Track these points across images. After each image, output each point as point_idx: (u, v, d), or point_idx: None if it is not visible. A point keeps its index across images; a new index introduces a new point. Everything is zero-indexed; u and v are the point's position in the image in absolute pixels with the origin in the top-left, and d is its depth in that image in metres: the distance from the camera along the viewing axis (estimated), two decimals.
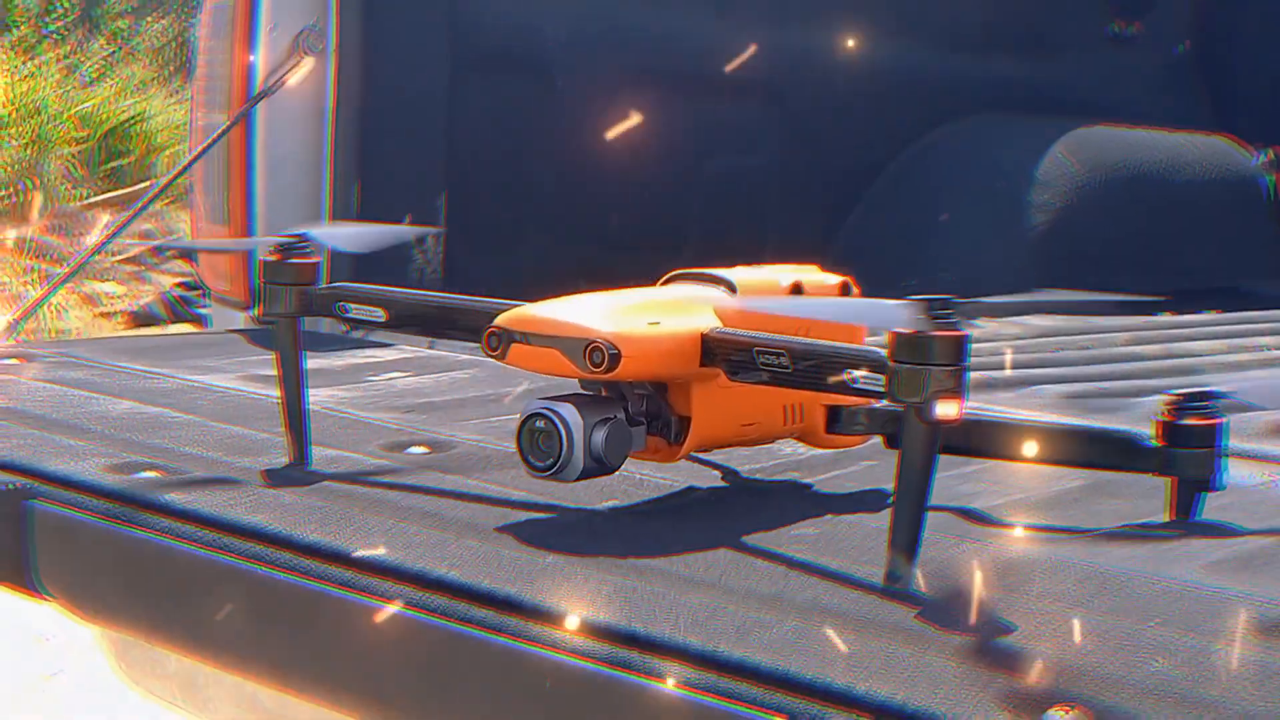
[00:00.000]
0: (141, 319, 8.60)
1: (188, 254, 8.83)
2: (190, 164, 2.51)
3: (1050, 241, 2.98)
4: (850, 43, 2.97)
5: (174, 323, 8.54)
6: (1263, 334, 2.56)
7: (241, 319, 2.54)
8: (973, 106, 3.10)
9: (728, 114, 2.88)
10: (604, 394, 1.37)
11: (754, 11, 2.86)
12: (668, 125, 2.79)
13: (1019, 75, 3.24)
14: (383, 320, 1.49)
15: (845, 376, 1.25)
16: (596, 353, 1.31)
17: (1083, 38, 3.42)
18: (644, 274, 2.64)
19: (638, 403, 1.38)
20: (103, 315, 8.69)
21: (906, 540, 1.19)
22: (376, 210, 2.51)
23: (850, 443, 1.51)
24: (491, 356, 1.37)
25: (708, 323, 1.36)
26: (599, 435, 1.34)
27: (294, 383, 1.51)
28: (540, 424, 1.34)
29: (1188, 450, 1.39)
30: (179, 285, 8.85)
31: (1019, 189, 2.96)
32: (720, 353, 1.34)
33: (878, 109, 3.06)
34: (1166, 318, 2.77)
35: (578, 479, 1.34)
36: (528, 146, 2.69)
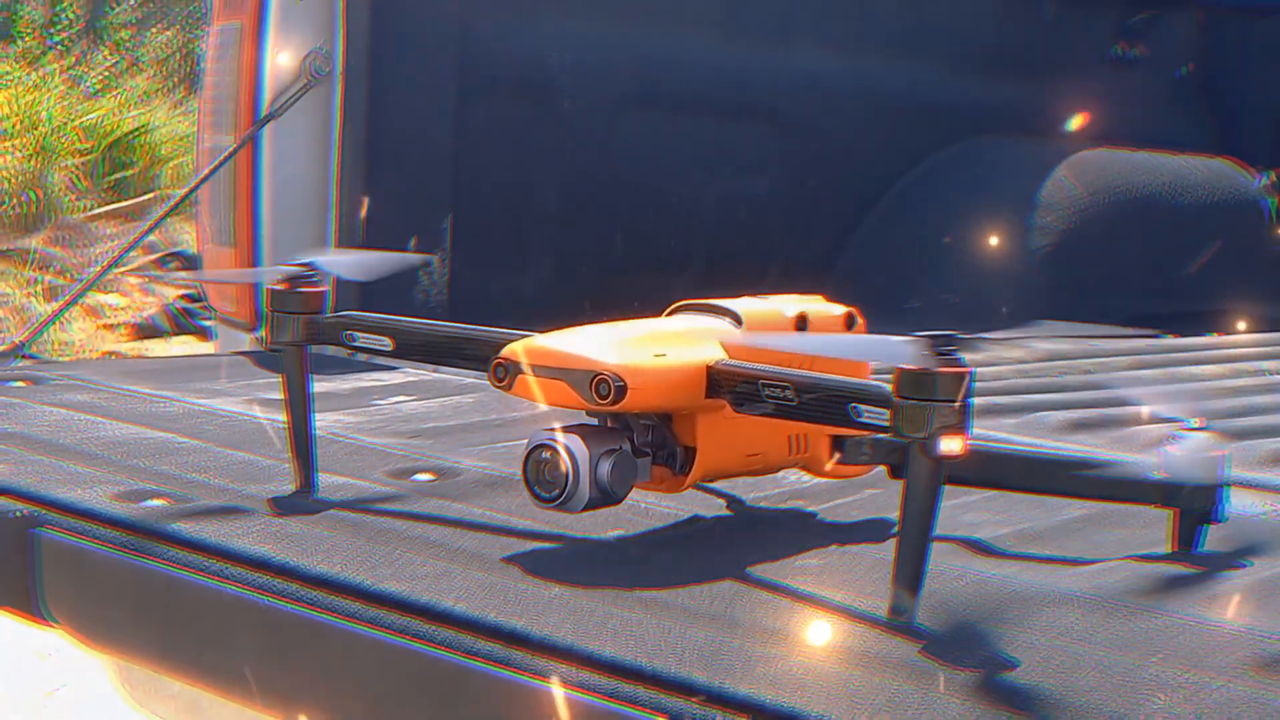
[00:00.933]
0: (145, 331, 8.61)
1: (193, 268, 8.84)
2: (197, 186, 2.52)
3: (1053, 264, 2.99)
4: (853, 66, 2.98)
5: (177, 334, 8.55)
6: (1264, 358, 2.56)
7: (247, 340, 2.55)
8: (976, 129, 3.11)
9: (732, 138, 2.89)
10: (610, 424, 1.38)
11: (757, 36, 2.87)
12: (672, 149, 2.80)
13: (1022, 98, 3.25)
14: (389, 349, 1.50)
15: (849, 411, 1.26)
16: (603, 385, 1.32)
17: (1086, 60, 3.43)
18: (649, 296, 2.67)
19: (643, 433, 1.39)
20: (106, 327, 8.70)
21: (910, 575, 1.19)
22: (383, 232, 2.52)
23: (855, 473, 1.51)
24: (498, 387, 1.38)
25: (713, 354, 1.37)
26: (604, 466, 1.35)
27: (301, 410, 1.52)
28: (546, 455, 1.35)
29: (1190, 482, 1.40)
30: (182, 297, 8.86)
31: (1022, 211, 2.97)
32: (725, 385, 1.35)
33: (881, 132, 3.07)
34: (1169, 340, 2.78)
35: (583, 510, 1.35)
36: (534, 170, 2.71)
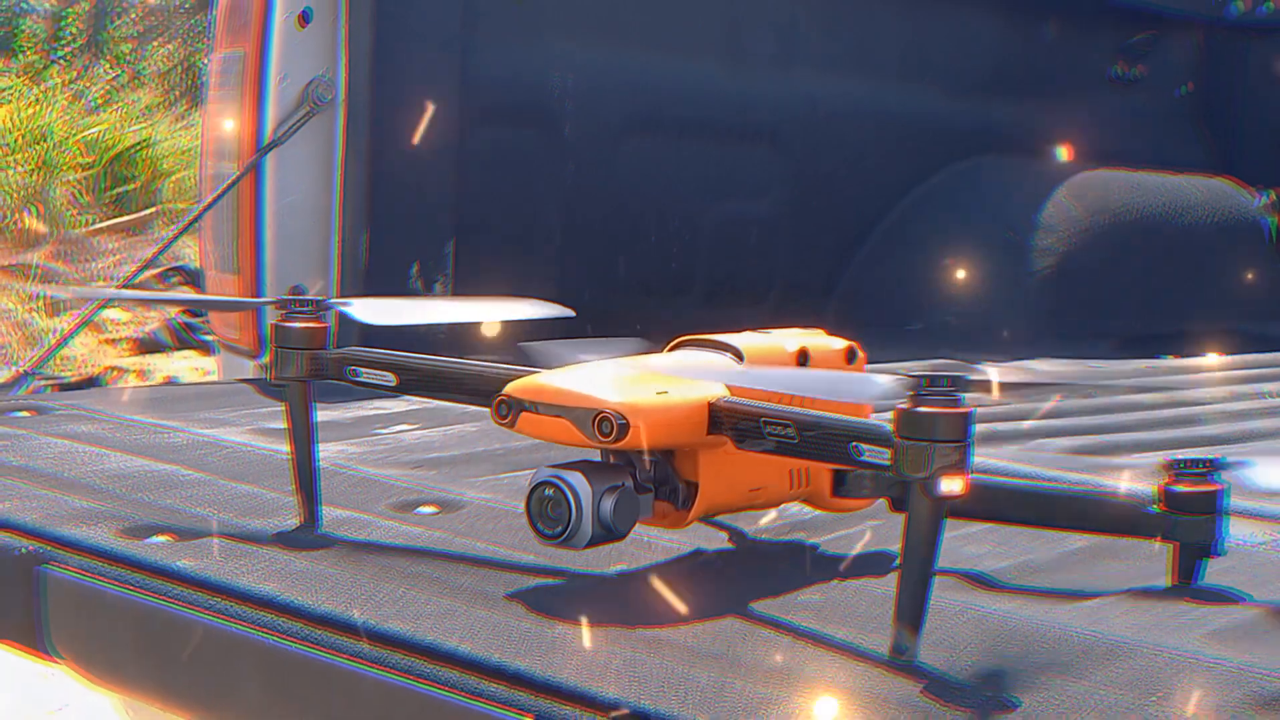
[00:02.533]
0: (147, 345, 8.61)
1: (195, 283, 8.84)
2: (199, 215, 2.53)
3: (1054, 285, 3.00)
4: (855, 88, 3.00)
5: (179, 349, 8.55)
6: (1264, 379, 2.57)
7: (250, 367, 2.56)
8: (977, 150, 3.12)
9: (734, 160, 2.90)
10: (612, 460, 1.39)
11: (759, 58, 2.87)
12: (674, 172, 2.81)
13: (1023, 119, 3.26)
14: (393, 384, 1.51)
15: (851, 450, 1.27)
16: (605, 423, 1.33)
17: (1086, 80, 3.44)
18: (651, 319, 2.68)
19: (645, 469, 1.40)
20: (108, 341, 8.70)
21: (912, 613, 1.20)
22: (385, 259, 2.53)
23: (856, 505, 1.52)
24: (501, 424, 1.39)
25: (715, 391, 1.38)
26: (607, 503, 1.36)
27: (305, 445, 1.53)
28: (549, 492, 1.36)
29: (1189, 516, 1.40)
30: (184, 311, 8.86)
31: (1023, 233, 2.98)
32: (727, 422, 1.36)
33: (883, 153, 3.08)
34: (1170, 361, 2.79)
35: (586, 546, 1.36)
36: (536, 195, 2.71)
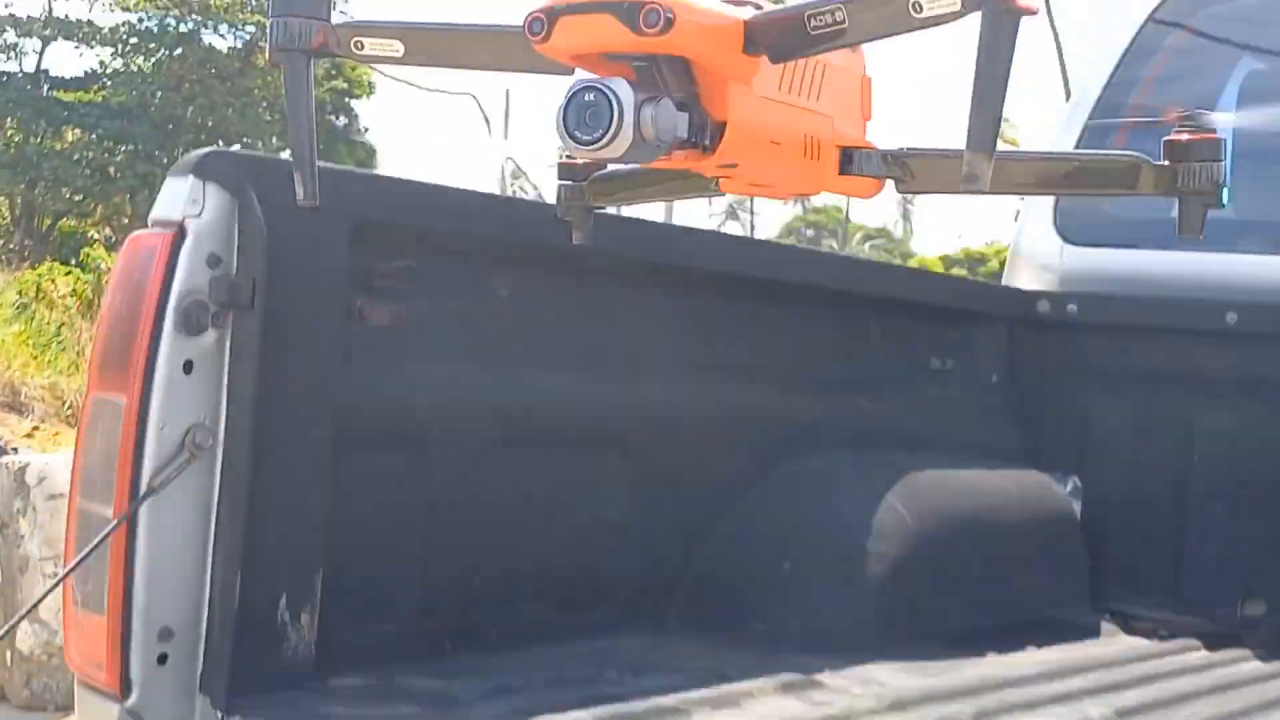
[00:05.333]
0: None
1: None
2: (76, 566, 2.25)
3: (887, 588, 2.86)
4: (697, 390, 2.94)
5: None
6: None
7: (116, 715, 2.19)
8: (813, 445, 3.04)
9: (583, 466, 2.75)
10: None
11: (607, 369, 2.81)
12: (530, 482, 2.65)
13: (853, 411, 3.20)
14: (400, 55, 1.36)
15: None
16: (652, 13, 1.22)
17: (907, 373, 3.39)
18: (517, 628, 2.51)
19: (678, 88, 1.28)
20: None
21: (984, 138, 1.16)
22: (257, 597, 2.29)
23: (862, 188, 1.39)
24: (536, 43, 1.26)
25: (746, 13, 1.30)
26: (648, 111, 1.23)
27: (303, 119, 1.36)
28: (590, 97, 1.23)
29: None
30: None
31: (856, 539, 2.86)
32: (766, 37, 1.26)
33: (722, 452, 2.94)
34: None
35: (622, 156, 1.22)
36: (403, 517, 2.52)
